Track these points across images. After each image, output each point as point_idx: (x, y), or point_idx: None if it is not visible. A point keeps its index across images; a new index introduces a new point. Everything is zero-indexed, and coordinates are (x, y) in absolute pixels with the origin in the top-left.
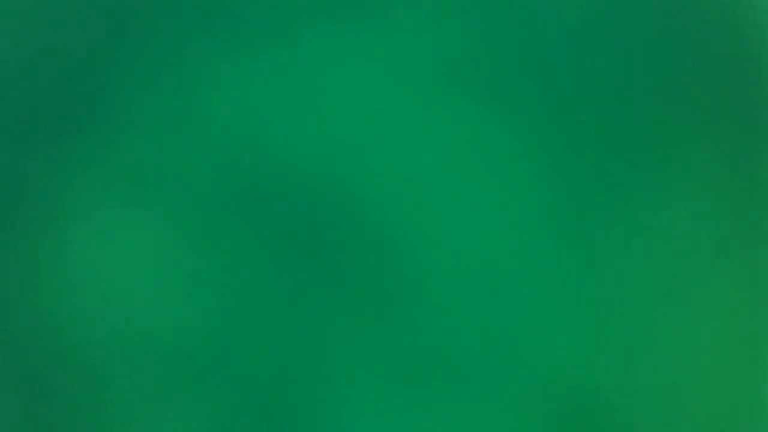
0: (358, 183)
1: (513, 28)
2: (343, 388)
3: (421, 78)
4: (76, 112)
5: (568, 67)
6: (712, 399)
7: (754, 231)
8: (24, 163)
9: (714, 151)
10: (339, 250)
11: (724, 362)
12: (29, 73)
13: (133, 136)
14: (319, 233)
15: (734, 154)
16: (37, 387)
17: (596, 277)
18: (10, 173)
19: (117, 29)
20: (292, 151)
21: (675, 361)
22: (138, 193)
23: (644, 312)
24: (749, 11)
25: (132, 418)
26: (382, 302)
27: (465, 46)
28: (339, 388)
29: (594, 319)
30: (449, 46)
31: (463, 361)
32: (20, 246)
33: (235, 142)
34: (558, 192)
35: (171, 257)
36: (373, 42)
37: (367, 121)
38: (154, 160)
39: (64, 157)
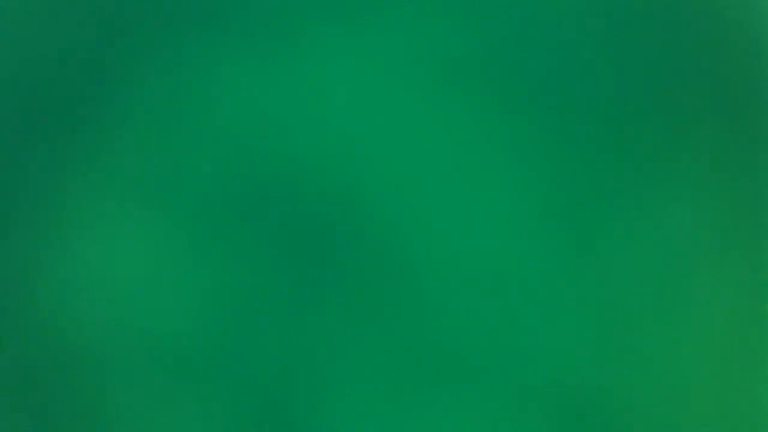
0: (358, 182)
1: (513, 28)
2: (344, 387)
3: (422, 78)
4: (77, 112)
5: (568, 66)
6: (712, 398)
7: (754, 231)
8: (24, 163)
9: (714, 151)
10: (339, 250)
11: (724, 362)
12: (30, 73)
13: (134, 136)
14: (319, 233)
15: (734, 154)
16: (37, 387)
17: (597, 277)
18: (10, 173)
19: (117, 30)
20: (292, 151)
21: (675, 360)
22: (138, 193)
23: (644, 311)
24: (749, 11)
25: (132, 418)
26: (383, 302)
27: (465, 46)
28: (339, 388)
29: (594, 319)
30: (450, 47)
31: (463, 360)
32: (20, 246)
33: (235, 142)
34: (558, 191)
35: (171, 257)
36: (373, 42)
37: (368, 120)
38: (154, 160)
39: (64, 157)
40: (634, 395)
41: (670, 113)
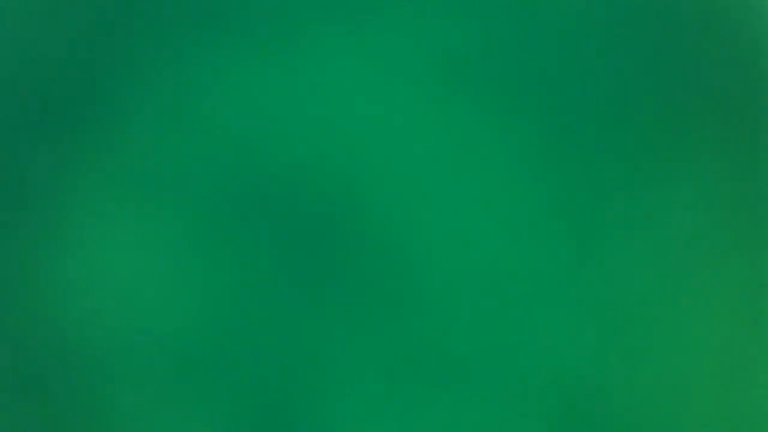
0: (358, 182)
1: (513, 28)
2: (343, 387)
3: (422, 77)
4: (77, 112)
5: (568, 66)
6: (712, 398)
7: (754, 231)
8: (25, 163)
9: (714, 151)
10: (339, 250)
11: (724, 362)
12: (30, 72)
13: (134, 136)
14: (319, 233)
15: (734, 154)
16: (38, 386)
17: (596, 276)
18: (10, 173)
19: (117, 29)
20: (292, 151)
21: (675, 360)
22: (139, 193)
23: (644, 311)
24: (749, 11)
25: (133, 418)
26: (382, 302)
27: (466, 46)
28: (339, 388)
29: (594, 319)
30: (449, 46)
31: (464, 360)
32: (21, 246)
33: (235, 142)
34: (558, 191)
35: (171, 257)
36: (373, 42)
37: (367, 120)
38: (155, 160)
39: (65, 157)
40: (635, 395)
41: (671, 113)
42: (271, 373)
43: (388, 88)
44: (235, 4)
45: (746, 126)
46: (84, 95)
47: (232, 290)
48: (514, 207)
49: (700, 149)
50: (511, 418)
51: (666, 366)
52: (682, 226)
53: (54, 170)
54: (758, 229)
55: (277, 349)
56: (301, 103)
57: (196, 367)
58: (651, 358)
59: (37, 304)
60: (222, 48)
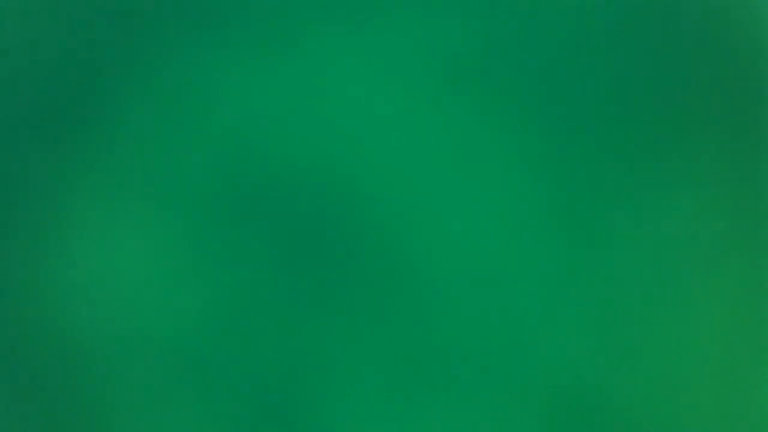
0: (358, 183)
1: (514, 29)
2: (343, 387)
3: (422, 79)
4: (78, 112)
5: (569, 67)
6: (712, 398)
7: (754, 230)
8: (25, 163)
9: (714, 151)
10: (340, 250)
11: (724, 362)
12: (30, 73)
13: (135, 136)
14: (320, 233)
15: (734, 153)
16: (38, 386)
17: (596, 276)
18: (10, 173)
19: (117, 30)
20: (292, 151)
21: (675, 360)
22: (138, 193)
23: (644, 311)
24: (749, 11)
25: (132, 417)
26: (382, 301)
27: (467, 46)
28: (339, 388)
29: (594, 319)
30: (450, 47)
31: (463, 360)
32: (21, 245)
33: (236, 142)
34: (559, 191)
35: (171, 257)
36: (374, 42)
37: (368, 120)
38: (155, 160)
39: (64, 157)
40: (635, 395)
41: (672, 115)
42: (271, 373)
43: (389, 89)
44: (235, 4)
45: (747, 127)
46: (84, 95)
47: (232, 290)
48: (515, 208)
49: (701, 150)
50: (510, 418)
51: (666, 366)
52: (682, 226)
53: (54, 170)
54: (758, 229)
55: (277, 349)
56: (302, 103)
57: (196, 367)
58: (651, 358)
59: (37, 304)
60: (222, 48)
